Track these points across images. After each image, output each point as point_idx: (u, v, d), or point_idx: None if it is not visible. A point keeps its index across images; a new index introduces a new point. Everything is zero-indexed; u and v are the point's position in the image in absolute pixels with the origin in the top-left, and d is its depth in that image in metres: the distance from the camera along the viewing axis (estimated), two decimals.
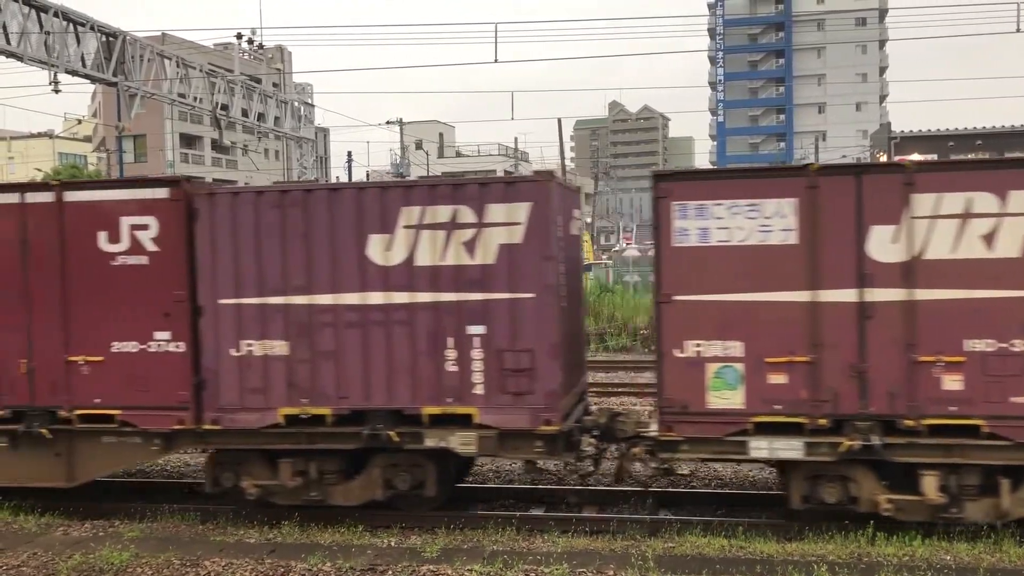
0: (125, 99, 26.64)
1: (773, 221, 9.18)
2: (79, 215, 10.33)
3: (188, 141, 71.09)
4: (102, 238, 10.25)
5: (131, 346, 10.20)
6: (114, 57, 25.40)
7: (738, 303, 9.21)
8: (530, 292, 9.47)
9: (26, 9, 21.99)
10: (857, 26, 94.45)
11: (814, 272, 9.09)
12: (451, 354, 9.63)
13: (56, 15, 22.89)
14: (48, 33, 22.60)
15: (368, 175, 61.97)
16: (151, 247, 10.14)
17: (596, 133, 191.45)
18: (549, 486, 11.64)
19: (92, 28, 24.59)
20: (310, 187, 10.16)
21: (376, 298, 9.75)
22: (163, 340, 10.14)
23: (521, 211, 9.47)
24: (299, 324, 9.89)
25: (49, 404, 10.45)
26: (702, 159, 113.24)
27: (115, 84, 25.89)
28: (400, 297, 9.70)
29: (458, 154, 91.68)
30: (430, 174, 64.06)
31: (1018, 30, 26.74)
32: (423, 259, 9.65)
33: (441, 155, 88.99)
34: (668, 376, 9.39)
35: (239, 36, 46.58)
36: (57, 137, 79.83)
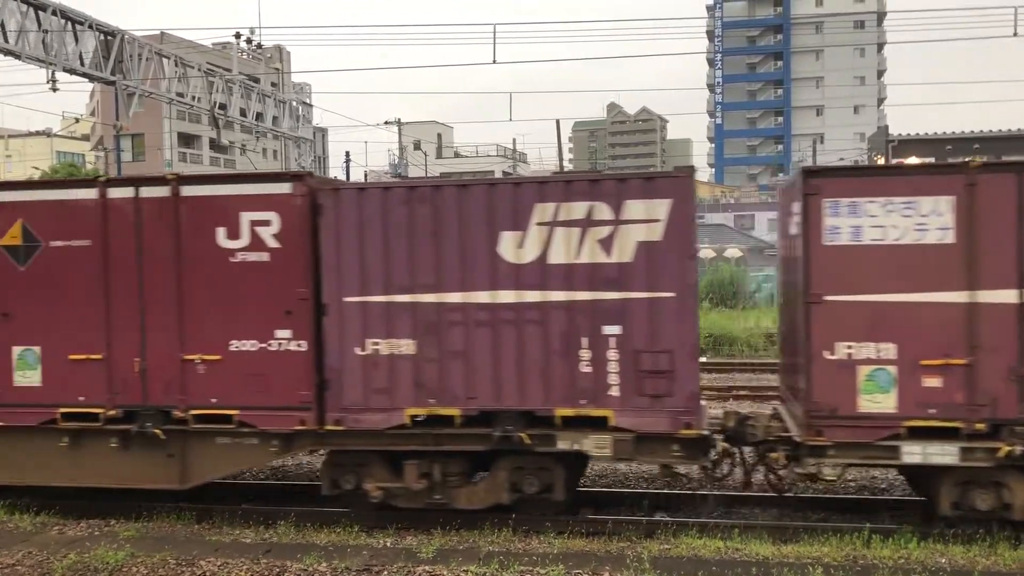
0: (123, 98, 26.64)
1: (929, 219, 8.94)
2: (197, 210, 10.05)
3: (186, 140, 71.03)
4: (221, 234, 9.97)
5: (250, 345, 9.92)
6: (112, 56, 25.39)
7: (892, 304, 9.00)
8: (670, 291, 9.26)
9: (24, 7, 21.99)
10: (855, 29, 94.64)
11: (972, 272, 8.88)
12: (585, 355, 9.42)
13: (54, 13, 22.88)
14: (46, 31, 22.58)
15: (366, 175, 61.94)
16: (273, 243, 9.85)
17: (594, 134, 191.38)
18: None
19: (90, 27, 24.58)
20: (440, 183, 9.95)
21: (507, 297, 9.54)
22: (284, 339, 9.85)
23: (661, 208, 9.25)
24: (427, 323, 9.67)
25: (163, 404, 10.18)
26: (700, 161, 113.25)
27: (113, 83, 25.89)
28: (532, 296, 9.51)
29: (456, 155, 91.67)
30: (428, 175, 64.06)
31: (1015, 34, 26.81)
32: (557, 257, 9.45)
33: (439, 156, 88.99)
34: (817, 379, 9.14)
35: (238, 36, 46.65)
36: (55, 135, 79.71)
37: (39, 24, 22.45)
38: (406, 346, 9.72)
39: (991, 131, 39.05)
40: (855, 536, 9.10)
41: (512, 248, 9.54)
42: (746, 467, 10.24)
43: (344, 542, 9.42)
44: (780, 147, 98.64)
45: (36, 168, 58.83)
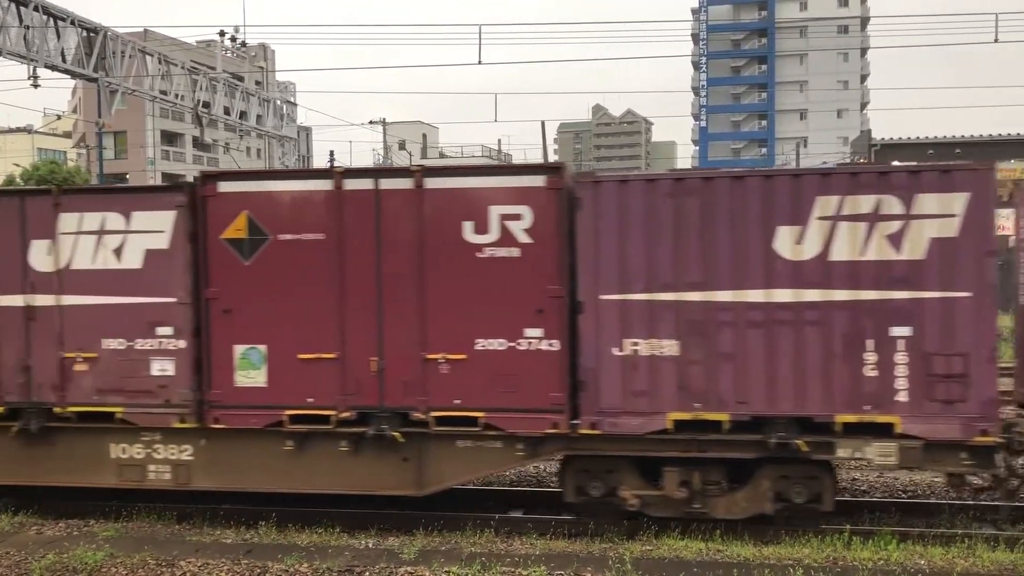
0: (106, 95, 26.51)
1: None
2: (441, 203, 9.57)
3: (169, 138, 70.61)
4: (467, 228, 9.50)
5: (498, 344, 9.47)
6: (95, 52, 25.24)
7: None
8: (967, 291, 8.78)
9: (6, 3, 21.83)
10: (839, 34, 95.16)
11: None
12: (871, 358, 8.94)
13: (36, 9, 22.72)
14: (28, 27, 22.43)
15: None
16: (524, 239, 9.39)
17: (579, 136, 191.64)
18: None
19: (73, 23, 24.42)
20: (710, 174, 9.53)
21: (784, 296, 9.06)
22: (535, 337, 9.41)
23: (957, 202, 8.79)
24: (693, 323, 9.21)
25: (401, 405, 9.69)
26: (684, 164, 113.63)
27: (96, 80, 25.76)
28: (812, 295, 9.01)
29: (441, 155, 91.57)
30: None
31: (996, 40, 27.06)
32: (840, 253, 8.96)
33: (424, 156, 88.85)
34: None
35: (222, 33, 46.37)
36: (36, 132, 79.03)
37: (20, 20, 22.29)
38: (669, 347, 9.26)
39: (972, 136, 39.36)
40: (836, 537, 9.14)
41: (790, 244, 9.07)
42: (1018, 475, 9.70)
43: (326, 543, 9.39)
44: (764, 150, 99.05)
45: (17, 165, 58.31)
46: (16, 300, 10.35)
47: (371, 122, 65.92)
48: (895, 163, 10.12)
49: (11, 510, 10.68)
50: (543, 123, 44.93)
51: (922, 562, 8.46)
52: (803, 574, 8.11)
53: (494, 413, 9.50)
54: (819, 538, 9.20)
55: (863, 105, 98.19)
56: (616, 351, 9.34)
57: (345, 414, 9.73)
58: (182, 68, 31.20)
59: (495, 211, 9.47)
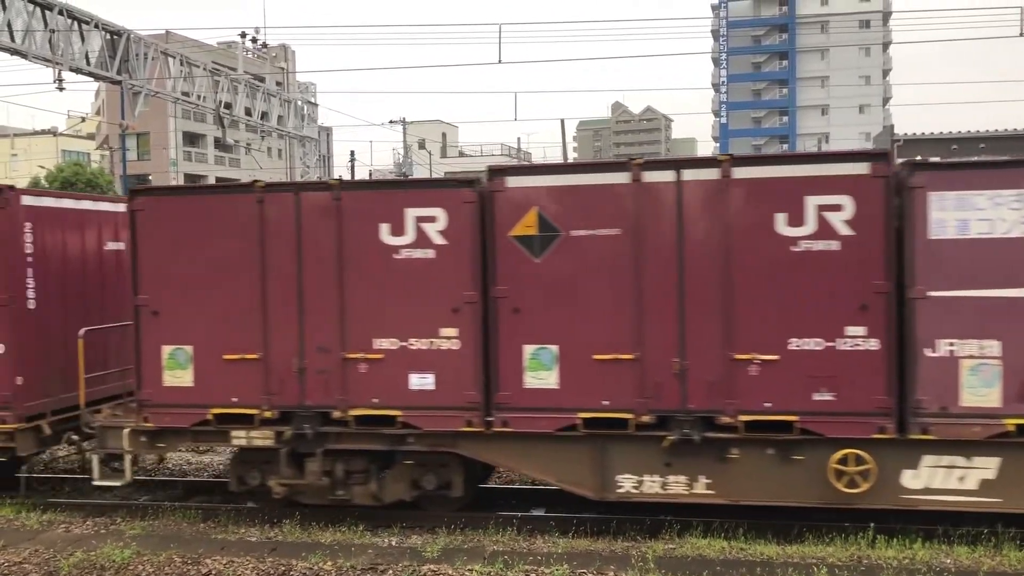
0: (129, 97, 26.76)
1: None
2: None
3: (191, 139, 71.19)
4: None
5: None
6: (118, 55, 25.48)
7: None
8: None
9: (31, 7, 22.07)
10: (861, 28, 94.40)
11: None
12: None
13: (61, 13, 22.97)
14: (53, 31, 22.67)
15: (371, 174, 61.95)
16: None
17: (599, 134, 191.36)
18: None
19: (96, 26, 24.66)
20: None
21: None
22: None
23: None
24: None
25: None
26: None
27: (119, 82, 25.99)
28: None
29: (461, 154, 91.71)
30: (432, 175, 64.09)
31: (1021, 34, 26.74)
32: None
33: (444, 155, 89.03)
34: None
35: (243, 35, 46.64)
36: (60, 134, 79.92)
37: (45, 24, 22.53)
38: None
39: (997, 130, 38.93)
40: (860, 536, 9.09)
41: None
42: None
43: (349, 541, 9.44)
44: (785, 146, 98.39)
45: (42, 167, 58.97)
46: None
47: (391, 122, 66.20)
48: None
49: (39, 509, 10.82)
50: (562, 121, 44.97)
51: (948, 561, 8.40)
52: (827, 572, 8.07)
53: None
54: (843, 537, 9.15)
55: (885, 100, 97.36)
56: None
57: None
58: (204, 70, 31.42)
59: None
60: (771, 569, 8.25)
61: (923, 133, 40.23)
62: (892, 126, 44.58)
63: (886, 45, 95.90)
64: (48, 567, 8.94)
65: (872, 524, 9.23)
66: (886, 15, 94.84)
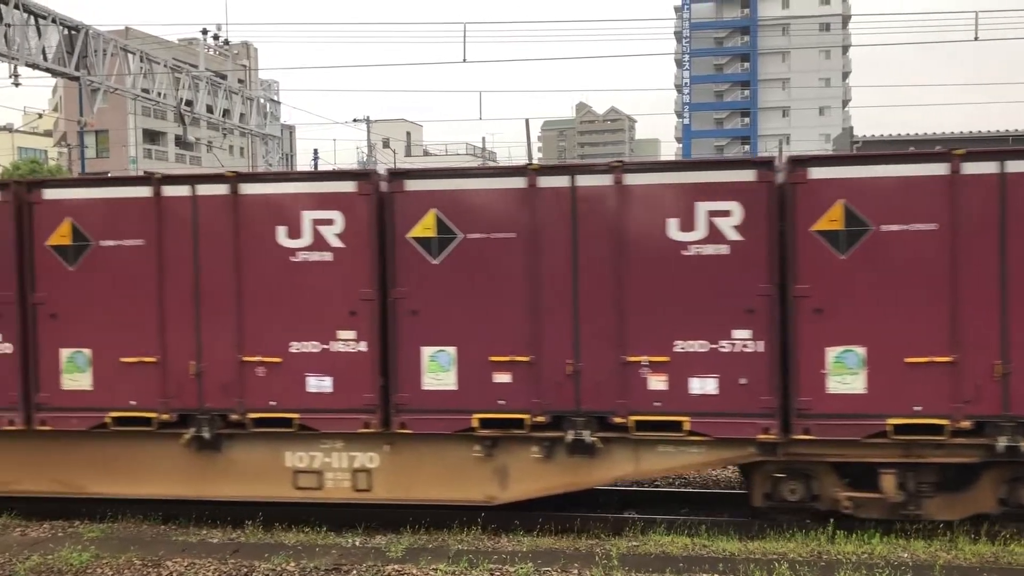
0: (87, 94, 26.34)
1: None
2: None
3: (152, 137, 70.21)
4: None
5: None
6: (76, 51, 25.08)
7: None
8: None
9: None
10: (821, 31, 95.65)
11: None
12: None
13: (17, 7, 22.54)
14: (8, 25, 22.25)
15: None
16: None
17: (563, 134, 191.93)
18: None
19: (54, 21, 24.25)
20: None
21: None
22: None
23: None
24: None
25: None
26: None
27: (77, 78, 25.57)
28: None
29: (426, 153, 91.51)
30: None
31: (976, 38, 27.30)
32: None
33: (408, 154, 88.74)
34: None
35: (204, 32, 46.02)
36: (16, 131, 78.35)
37: (1, 18, 22.11)
38: None
39: (952, 133, 39.68)
40: (820, 532, 9.22)
41: None
42: None
43: (313, 542, 9.38)
44: (747, 147, 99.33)
45: None
46: None
47: (355, 120, 65.88)
48: None
49: None
50: (527, 121, 44.98)
51: (905, 555, 8.55)
52: (788, 568, 8.17)
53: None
54: (804, 533, 9.28)
55: (845, 102, 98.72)
56: None
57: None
58: (164, 66, 31.03)
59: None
60: (733, 565, 8.34)
61: (882, 135, 40.83)
62: (851, 127, 45.19)
63: (846, 48, 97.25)
64: (3, 571, 8.78)
65: (831, 520, 9.37)
66: (845, 18, 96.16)
